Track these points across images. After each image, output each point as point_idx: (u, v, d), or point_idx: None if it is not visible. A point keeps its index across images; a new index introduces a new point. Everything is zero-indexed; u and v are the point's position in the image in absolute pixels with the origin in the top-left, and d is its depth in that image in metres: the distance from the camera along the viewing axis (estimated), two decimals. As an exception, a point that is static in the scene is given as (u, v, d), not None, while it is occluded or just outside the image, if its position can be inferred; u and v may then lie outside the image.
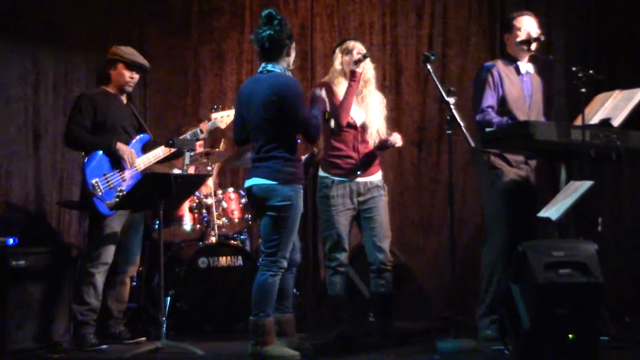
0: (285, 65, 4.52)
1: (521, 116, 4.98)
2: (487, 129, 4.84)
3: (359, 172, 4.97)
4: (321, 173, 5.06)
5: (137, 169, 5.28)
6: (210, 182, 6.02)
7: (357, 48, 5.04)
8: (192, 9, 6.99)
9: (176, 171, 5.57)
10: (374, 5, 6.97)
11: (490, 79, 5.00)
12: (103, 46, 5.70)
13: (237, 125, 4.66)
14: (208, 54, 6.99)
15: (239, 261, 5.77)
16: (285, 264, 4.42)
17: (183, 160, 5.17)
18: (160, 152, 5.37)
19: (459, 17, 6.89)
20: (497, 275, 4.95)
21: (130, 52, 5.40)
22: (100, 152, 5.18)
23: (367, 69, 5.06)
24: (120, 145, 5.22)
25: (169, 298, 5.51)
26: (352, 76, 4.95)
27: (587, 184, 4.35)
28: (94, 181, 5.10)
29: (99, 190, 5.10)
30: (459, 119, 4.49)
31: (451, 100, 4.57)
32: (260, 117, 4.41)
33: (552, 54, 6.12)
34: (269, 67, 4.49)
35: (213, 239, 5.90)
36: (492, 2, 6.81)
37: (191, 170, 6.11)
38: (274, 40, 4.44)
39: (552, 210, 4.36)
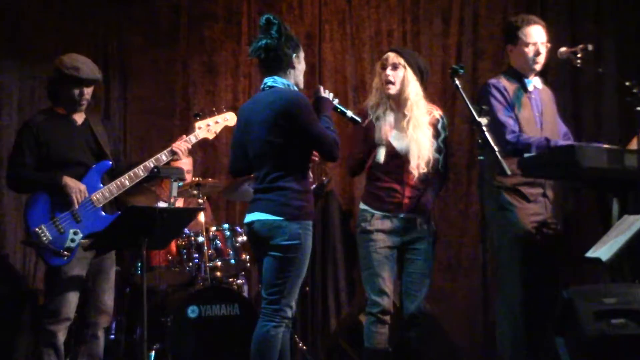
0: (291, 80, 4.54)
1: None
2: (526, 155, 4.87)
3: (403, 208, 4.97)
4: (362, 206, 5.06)
5: (95, 205, 5.04)
6: (202, 217, 6.06)
7: (390, 61, 5.00)
8: (180, 15, 7.06)
9: (162, 204, 5.60)
10: (393, 10, 6.99)
11: (500, 97, 5.05)
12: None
13: (234, 154, 4.66)
14: (198, 68, 7.06)
15: (236, 310, 5.79)
16: (290, 313, 4.42)
17: (170, 191, 5.16)
18: (127, 181, 5.09)
19: (492, 24, 6.81)
20: (518, 332, 4.92)
21: (70, 63, 5.05)
22: (44, 193, 4.97)
23: (407, 83, 4.98)
24: (68, 181, 4.96)
25: (153, 353, 5.53)
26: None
27: (643, 219, 4.38)
28: (37, 229, 4.90)
29: (44, 238, 4.91)
30: (492, 143, 4.41)
31: (483, 121, 4.47)
32: (263, 141, 4.41)
33: (602, 67, 6.13)
34: (270, 82, 4.51)
35: (205, 284, 5.92)
36: (532, 6, 6.67)
37: (179, 203, 6.16)
38: (271, 50, 4.46)
39: (603, 250, 4.37)
